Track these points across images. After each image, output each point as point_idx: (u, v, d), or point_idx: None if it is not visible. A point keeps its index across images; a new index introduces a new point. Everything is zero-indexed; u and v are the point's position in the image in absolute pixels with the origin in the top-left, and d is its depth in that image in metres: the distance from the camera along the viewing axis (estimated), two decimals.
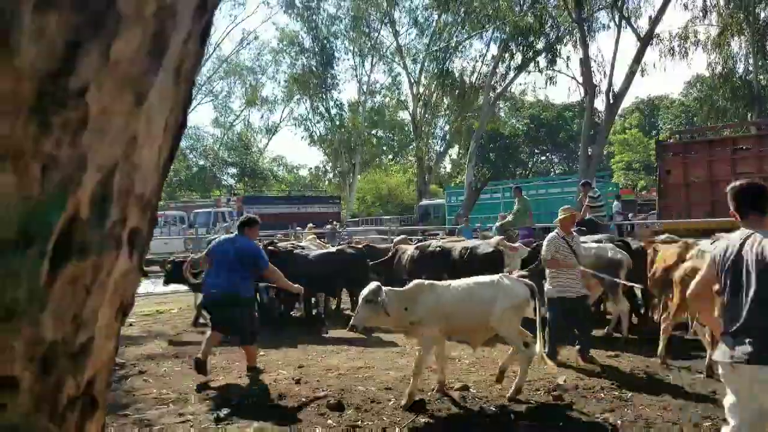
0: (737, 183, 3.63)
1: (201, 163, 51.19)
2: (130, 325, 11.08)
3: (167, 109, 0.72)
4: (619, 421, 5.36)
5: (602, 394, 6.15)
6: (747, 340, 3.25)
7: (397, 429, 5.39)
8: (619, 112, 36.38)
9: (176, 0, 0.67)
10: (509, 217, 15.91)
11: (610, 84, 24.98)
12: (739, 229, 3.54)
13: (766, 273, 3.26)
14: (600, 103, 27.17)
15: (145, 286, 18.19)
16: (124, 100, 0.64)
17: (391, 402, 6.08)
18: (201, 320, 10.95)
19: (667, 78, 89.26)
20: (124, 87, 0.63)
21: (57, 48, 0.56)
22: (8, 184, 0.55)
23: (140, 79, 0.66)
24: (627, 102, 48.91)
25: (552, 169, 55.34)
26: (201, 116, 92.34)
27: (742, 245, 3.39)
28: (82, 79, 0.59)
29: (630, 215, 23.93)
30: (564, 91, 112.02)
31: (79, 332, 0.66)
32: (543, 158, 57.23)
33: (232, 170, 52.12)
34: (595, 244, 9.14)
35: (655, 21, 24.52)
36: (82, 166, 0.61)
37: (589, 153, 25.44)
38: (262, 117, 55.32)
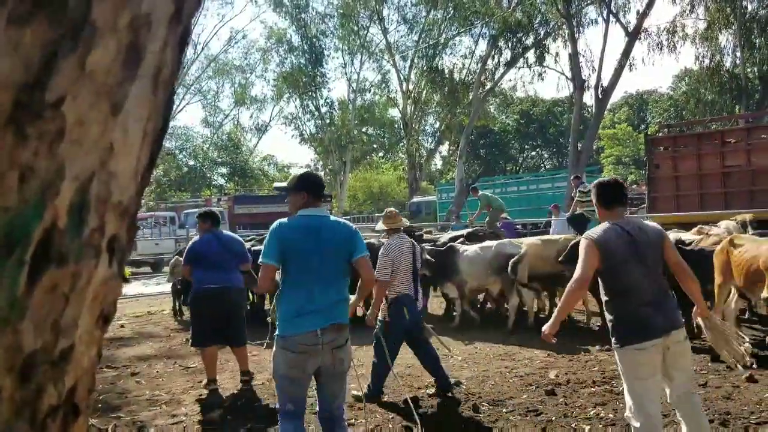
0: None
1: (191, 163, 50.98)
2: (122, 326, 11.07)
3: (145, 117, 0.72)
4: (610, 415, 5.40)
5: (594, 388, 6.18)
6: None
7: (390, 426, 5.42)
8: (608, 106, 36.54)
9: (151, 9, 0.67)
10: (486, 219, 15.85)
11: (598, 79, 25.18)
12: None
13: None
14: (589, 98, 27.37)
15: (137, 287, 18.18)
16: (101, 110, 0.65)
17: (385, 399, 6.10)
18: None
19: (657, 72, 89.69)
20: (100, 97, 0.64)
21: (33, 61, 0.58)
22: None
23: (116, 89, 0.66)
24: (616, 97, 49.13)
25: (542, 165, 55.50)
26: (190, 116, 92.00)
27: None
28: (59, 90, 0.60)
29: None
30: (553, 86, 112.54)
31: (59, 340, 0.67)
32: (533, 153, 57.36)
33: (223, 170, 51.95)
34: (494, 242, 9.68)
35: (642, 15, 24.71)
36: (59, 175, 0.62)
37: (579, 148, 25.55)
38: (251, 116, 55.06)
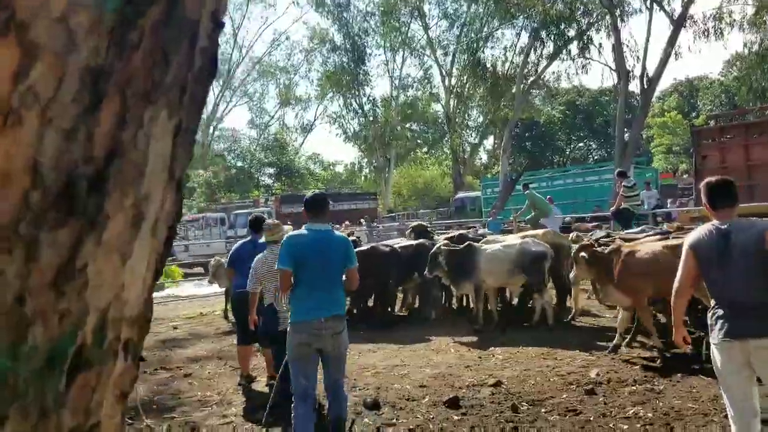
0: None
1: (239, 164, 51.95)
2: (175, 328, 11.50)
3: (147, 255, 0.95)
4: (649, 414, 5.43)
5: (634, 387, 6.18)
6: None
7: (431, 426, 5.56)
8: (658, 94, 35.75)
9: (150, 187, 0.88)
10: (529, 216, 15.78)
11: (643, 69, 24.68)
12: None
13: None
14: (635, 87, 26.85)
15: (189, 288, 18.73)
16: (113, 263, 0.89)
17: (426, 399, 6.24)
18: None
19: (707, 57, 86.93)
20: (113, 255, 0.88)
21: (65, 250, 0.80)
22: (39, 333, 0.82)
23: (124, 246, 0.89)
24: (665, 84, 47.97)
25: (590, 155, 54.54)
26: (237, 118, 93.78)
27: None
28: (83, 260, 0.82)
29: (669, 201, 23.64)
30: (598, 76, 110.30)
31: (89, 419, 0.91)
32: (581, 144, 56.37)
33: (270, 170, 52.79)
34: (518, 240, 9.60)
35: (688, 2, 24.09)
36: (85, 312, 0.87)
37: (626, 139, 25.13)
38: (296, 116, 55.86)
